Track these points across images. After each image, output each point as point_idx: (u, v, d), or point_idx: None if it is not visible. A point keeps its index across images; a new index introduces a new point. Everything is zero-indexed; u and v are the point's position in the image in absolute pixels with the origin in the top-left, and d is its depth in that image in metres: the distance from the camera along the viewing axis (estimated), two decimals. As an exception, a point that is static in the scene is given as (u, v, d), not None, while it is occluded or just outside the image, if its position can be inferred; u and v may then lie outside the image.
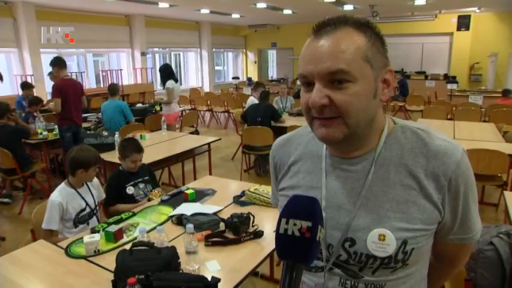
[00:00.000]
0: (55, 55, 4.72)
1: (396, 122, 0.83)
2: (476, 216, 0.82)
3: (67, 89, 4.49)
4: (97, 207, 2.54)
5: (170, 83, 5.52)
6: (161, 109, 6.79)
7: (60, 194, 2.35)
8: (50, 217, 2.27)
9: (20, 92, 6.31)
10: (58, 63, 4.50)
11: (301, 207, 0.65)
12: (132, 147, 2.77)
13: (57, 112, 4.47)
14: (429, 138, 0.78)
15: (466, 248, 0.89)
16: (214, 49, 14.41)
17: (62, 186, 2.41)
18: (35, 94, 6.25)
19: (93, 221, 2.46)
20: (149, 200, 2.65)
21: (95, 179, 2.56)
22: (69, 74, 4.64)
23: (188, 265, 1.65)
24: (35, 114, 5.29)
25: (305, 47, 0.75)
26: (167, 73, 5.62)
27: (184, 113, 7.56)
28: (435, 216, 0.77)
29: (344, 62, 0.69)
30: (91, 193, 2.50)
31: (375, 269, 0.78)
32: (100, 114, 5.53)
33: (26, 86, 6.16)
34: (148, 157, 3.17)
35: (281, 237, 0.64)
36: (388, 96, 0.78)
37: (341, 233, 0.79)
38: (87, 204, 2.45)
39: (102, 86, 10.42)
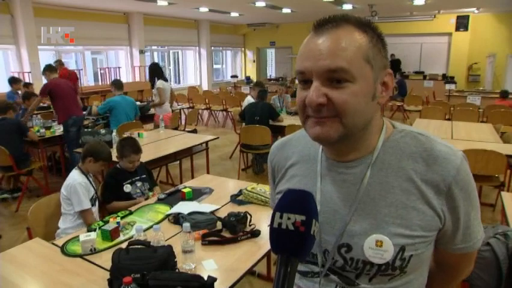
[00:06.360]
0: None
1: (395, 126, 0.81)
2: (477, 223, 0.79)
3: (62, 87, 4.67)
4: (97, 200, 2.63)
5: (160, 83, 5.36)
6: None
7: (79, 176, 2.48)
8: (80, 197, 2.38)
9: (9, 88, 6.47)
10: (48, 69, 4.77)
11: (295, 201, 0.64)
12: (130, 147, 2.76)
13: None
14: (429, 143, 0.75)
15: (468, 256, 0.85)
16: (212, 47, 14.39)
17: (76, 172, 2.52)
18: (33, 91, 6.23)
19: (95, 210, 2.56)
20: (146, 199, 2.65)
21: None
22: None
23: (184, 264, 1.65)
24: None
25: (304, 43, 0.73)
26: (156, 72, 5.45)
27: (184, 112, 7.52)
28: (435, 223, 0.74)
29: (344, 60, 0.67)
30: (92, 184, 2.60)
31: (372, 276, 0.75)
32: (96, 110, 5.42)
33: (14, 80, 6.32)
34: (145, 155, 3.16)
35: (275, 232, 0.63)
36: (386, 99, 0.76)
37: (335, 238, 0.77)
38: (95, 191, 2.57)
39: (100, 83, 10.40)
